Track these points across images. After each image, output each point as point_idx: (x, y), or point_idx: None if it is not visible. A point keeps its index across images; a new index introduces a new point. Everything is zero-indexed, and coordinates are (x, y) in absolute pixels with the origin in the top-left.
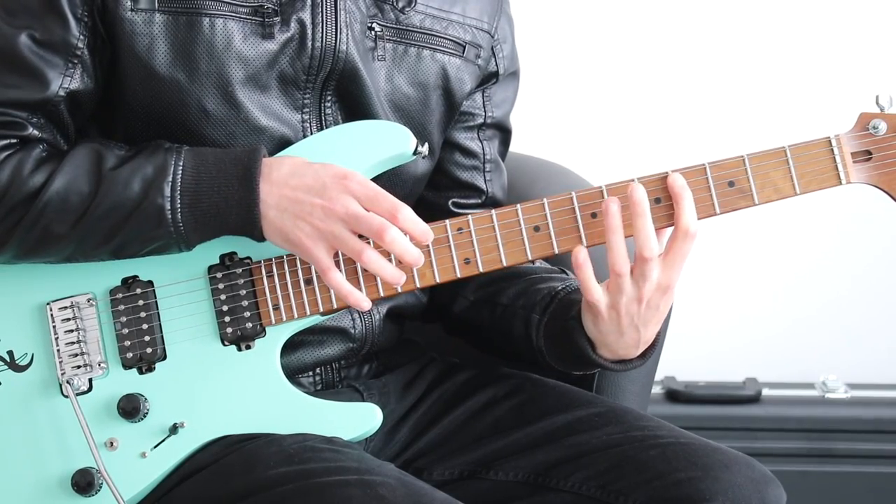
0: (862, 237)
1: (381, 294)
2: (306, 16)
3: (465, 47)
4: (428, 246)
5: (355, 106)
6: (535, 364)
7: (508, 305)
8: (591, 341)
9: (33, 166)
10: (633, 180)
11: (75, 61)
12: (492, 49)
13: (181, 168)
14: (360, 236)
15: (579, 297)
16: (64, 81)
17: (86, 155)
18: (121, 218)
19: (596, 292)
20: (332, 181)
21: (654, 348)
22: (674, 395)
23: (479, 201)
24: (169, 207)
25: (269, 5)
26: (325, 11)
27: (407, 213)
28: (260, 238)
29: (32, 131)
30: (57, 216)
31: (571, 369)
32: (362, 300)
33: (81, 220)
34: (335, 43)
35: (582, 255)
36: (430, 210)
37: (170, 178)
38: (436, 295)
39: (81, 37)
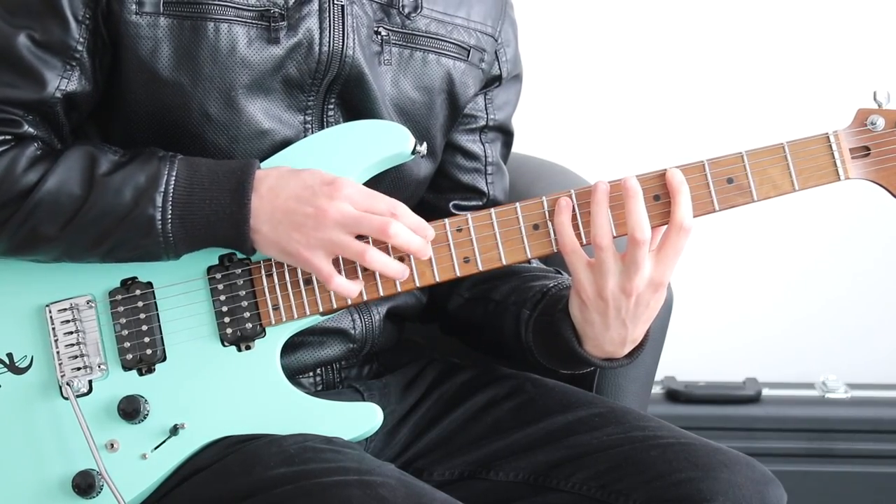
0: (862, 237)
1: (381, 293)
2: (313, 21)
3: (469, 51)
4: (427, 244)
5: (358, 109)
6: (526, 363)
7: (500, 302)
8: (578, 335)
9: (27, 164)
10: (632, 176)
11: (73, 63)
12: (495, 53)
13: (174, 179)
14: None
15: (569, 293)
16: (61, 83)
17: (79, 158)
18: (110, 225)
19: (571, 241)
20: (321, 188)
21: (641, 348)
22: (674, 395)
23: (481, 203)
24: (160, 218)
25: (276, 10)
26: (332, 16)
27: (405, 209)
28: (249, 252)
29: (27, 129)
30: (47, 217)
31: (558, 366)
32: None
33: (71, 223)
34: (342, 48)
35: (563, 202)
36: (430, 212)
37: (161, 189)
38: (433, 294)
39: (81, 39)
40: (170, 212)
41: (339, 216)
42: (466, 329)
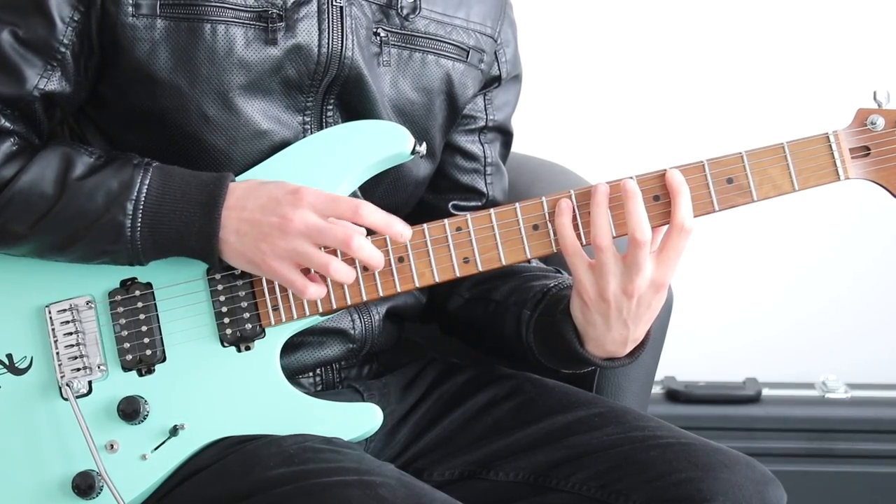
0: (862, 237)
1: (381, 294)
2: (312, 22)
3: (468, 52)
4: (427, 244)
5: (357, 110)
6: (527, 363)
7: (501, 302)
8: (579, 336)
9: (2, 160)
10: (630, 177)
11: (55, 64)
12: (495, 53)
13: (146, 187)
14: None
15: (570, 293)
16: (40, 82)
17: (55, 158)
18: (80, 228)
19: (573, 243)
20: (285, 197)
21: (642, 347)
22: (674, 395)
23: (480, 204)
24: (129, 225)
25: (274, 11)
26: (331, 17)
27: (369, 209)
28: (216, 265)
29: (5, 123)
30: (18, 214)
31: (559, 366)
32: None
33: (41, 222)
34: (341, 49)
35: (564, 204)
36: (430, 212)
37: (133, 196)
38: (433, 295)
39: (66, 41)
40: (139, 220)
41: (302, 226)
42: (466, 329)
